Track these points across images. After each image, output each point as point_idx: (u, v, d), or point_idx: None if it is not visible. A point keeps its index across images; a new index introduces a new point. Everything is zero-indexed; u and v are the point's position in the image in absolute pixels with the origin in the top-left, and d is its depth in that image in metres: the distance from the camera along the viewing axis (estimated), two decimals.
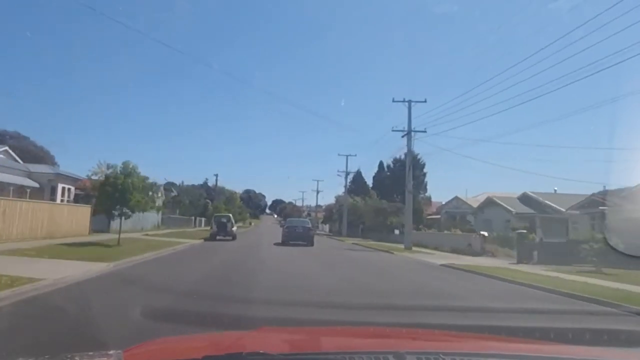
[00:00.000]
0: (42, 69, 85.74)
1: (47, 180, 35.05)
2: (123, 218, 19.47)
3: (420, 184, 63.12)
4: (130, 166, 18.57)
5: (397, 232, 42.20)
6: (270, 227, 75.32)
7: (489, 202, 46.93)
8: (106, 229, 28.42)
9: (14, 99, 70.51)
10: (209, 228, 32.29)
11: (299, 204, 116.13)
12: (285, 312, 6.74)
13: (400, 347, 1.65)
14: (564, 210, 36.47)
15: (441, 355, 1.58)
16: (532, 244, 21.52)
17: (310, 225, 30.68)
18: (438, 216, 57.66)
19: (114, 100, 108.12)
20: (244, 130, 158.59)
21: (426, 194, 63.74)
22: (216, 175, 67.61)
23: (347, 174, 57.43)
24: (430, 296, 9.87)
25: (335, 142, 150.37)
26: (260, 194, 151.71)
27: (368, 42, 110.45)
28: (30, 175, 33.74)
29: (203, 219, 59.41)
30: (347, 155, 56.15)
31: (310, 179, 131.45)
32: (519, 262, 20.49)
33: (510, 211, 43.15)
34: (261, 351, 1.49)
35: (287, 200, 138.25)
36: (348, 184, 58.89)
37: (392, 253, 25.25)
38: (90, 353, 1.84)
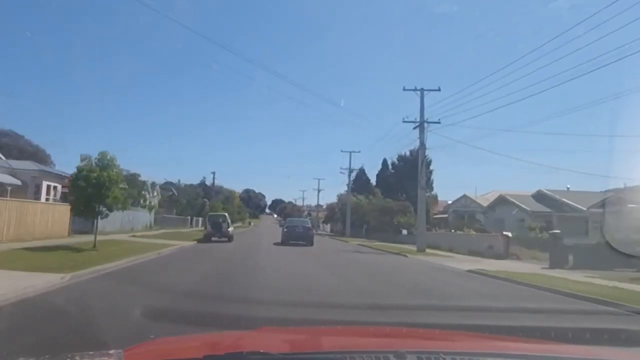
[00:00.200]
0: (40, 69, 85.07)
1: (31, 178, 32.60)
2: (101, 217, 16.83)
3: (426, 182, 60.64)
4: (108, 157, 16.01)
5: (404, 232, 39.71)
6: (269, 227, 72.79)
7: (501, 201, 44.52)
8: (90, 230, 25.86)
9: (12, 99, 69.45)
10: (204, 229, 29.68)
11: (299, 203, 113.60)
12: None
13: (401, 347, 1.64)
14: (583, 208, 34.11)
15: (441, 355, 1.57)
16: (566, 246, 19.01)
17: (310, 225, 30.30)
18: (445, 215, 55.27)
19: (113, 100, 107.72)
20: (243, 129, 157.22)
21: (432, 192, 61.17)
22: (213, 173, 64.92)
23: (351, 171, 54.73)
24: (482, 316, 7.36)
25: (335, 141, 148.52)
26: (260, 193, 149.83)
27: (370, 39, 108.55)
28: (12, 172, 31.22)
29: (200, 219, 56.85)
30: (350, 152, 53.51)
31: (311, 178, 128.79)
32: (553, 266, 18.01)
33: (524, 210, 40.71)
34: (261, 351, 1.48)
35: (287, 200, 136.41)
36: (350, 182, 56.17)
37: (405, 256, 22.73)
38: (91, 353, 1.82)
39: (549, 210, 39.44)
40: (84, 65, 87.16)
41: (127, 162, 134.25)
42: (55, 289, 8.25)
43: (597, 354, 2.12)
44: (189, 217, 57.95)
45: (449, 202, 60.61)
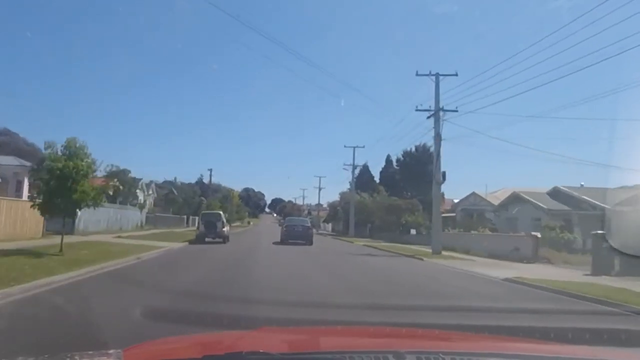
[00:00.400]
0: (38, 68, 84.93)
1: (13, 174, 30.19)
2: (68, 216, 14.29)
3: (432, 179, 58.19)
4: (77, 145, 13.45)
5: (413, 232, 37.19)
6: (269, 226, 70.30)
7: (515, 198, 42.00)
8: (70, 230, 23.37)
9: (11, 98, 69.10)
10: (196, 229, 27.07)
11: (299, 202, 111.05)
12: None
13: (401, 347, 1.64)
14: (603, 205, 31.62)
15: (441, 355, 1.57)
16: (612, 249, 16.46)
17: (309, 225, 30.36)
18: (452, 214, 52.80)
19: (113, 99, 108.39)
20: (243, 128, 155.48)
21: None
22: (210, 170, 62.27)
23: (355, 167, 52.02)
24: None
25: (336, 139, 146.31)
26: (259, 192, 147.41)
27: (370, 37, 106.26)
28: None
29: (196, 218, 54.33)
30: (354, 147, 50.70)
31: (312, 176, 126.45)
32: (596, 273, 15.49)
33: (541, 208, 38.22)
34: (261, 351, 1.48)
35: (287, 199, 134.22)
36: (354, 179, 53.47)
37: (421, 259, 20.23)
38: (90, 352, 1.80)
39: (567, 208, 36.97)
40: (83, 65, 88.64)
41: (126, 162, 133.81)
42: None
43: (599, 354, 2.11)
44: (185, 217, 55.45)
45: (455, 200, 58.22)
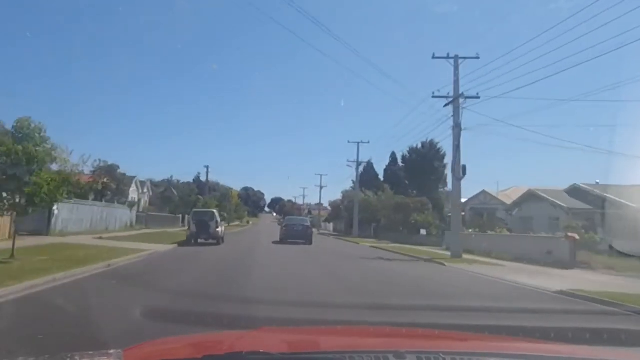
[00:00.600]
0: (36, 68, 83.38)
1: None
2: (17, 214, 11.71)
3: (440, 176, 55.52)
4: (31, 127, 10.87)
5: (423, 232, 34.59)
6: (268, 226, 67.73)
7: (530, 197, 39.60)
8: (44, 230, 20.85)
9: (9, 98, 66.77)
10: (187, 229, 24.38)
11: (299, 201, 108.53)
12: None
13: (401, 347, 1.63)
14: (630, 204, 29.17)
15: (441, 355, 1.56)
16: None
17: (309, 224, 30.59)
18: (462, 213, 50.35)
19: (113, 99, 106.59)
20: (243, 127, 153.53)
21: (446, 188, 56.04)
22: (207, 167, 59.58)
23: (359, 163, 49.25)
24: None
25: (337, 138, 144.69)
26: (259, 191, 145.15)
27: (371, 35, 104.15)
28: None
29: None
30: (358, 142, 47.91)
31: (313, 174, 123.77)
32: None
33: (559, 206, 35.72)
34: (261, 351, 1.47)
35: (287, 199, 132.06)
36: (358, 176, 50.68)
37: (442, 264, 17.66)
38: (90, 352, 1.79)
39: (588, 207, 34.43)
40: (83, 65, 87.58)
41: (126, 161, 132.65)
42: None
43: (600, 354, 2.10)
44: (181, 216, 52.83)
45: (463, 199, 55.82)
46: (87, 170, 33.29)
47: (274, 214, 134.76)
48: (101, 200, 31.00)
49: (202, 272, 11.88)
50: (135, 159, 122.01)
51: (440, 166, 54.57)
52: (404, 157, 56.56)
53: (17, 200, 10.62)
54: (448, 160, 56.49)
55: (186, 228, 23.29)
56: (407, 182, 56.84)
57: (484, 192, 49.59)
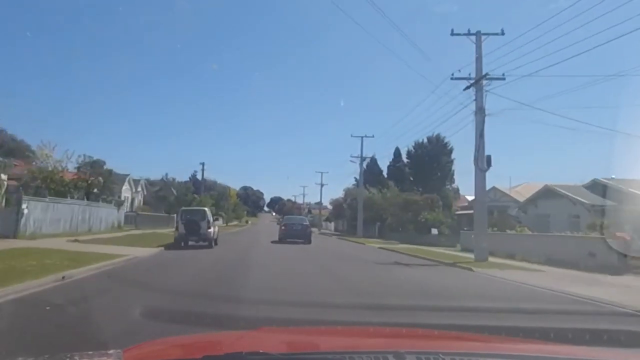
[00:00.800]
0: (36, 68, 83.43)
1: None
2: None
3: (447, 173, 53.08)
4: None
5: (434, 231, 32.06)
6: (267, 225, 65.17)
7: (546, 193, 37.15)
8: (11, 232, 18.34)
9: (9, 98, 66.83)
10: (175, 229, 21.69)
11: (299, 200, 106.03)
12: None
13: (400, 347, 1.62)
14: None
15: (441, 355, 1.55)
16: None
17: (307, 223, 30.65)
18: (470, 212, 47.87)
19: (112, 99, 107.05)
20: (243, 127, 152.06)
21: (453, 185, 53.67)
22: (202, 164, 56.93)
23: (363, 159, 46.53)
24: None
25: (338, 137, 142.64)
26: (258, 190, 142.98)
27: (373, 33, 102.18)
28: None
29: None
30: (362, 137, 45.14)
31: (313, 172, 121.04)
32: None
33: (581, 203, 33.23)
34: (261, 351, 1.46)
35: (286, 198, 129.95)
36: (362, 172, 47.92)
37: (470, 269, 15.13)
38: (90, 352, 1.77)
39: (612, 203, 31.89)
40: (83, 65, 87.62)
41: (125, 161, 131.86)
42: None
43: (598, 354, 2.08)
44: (175, 215, 50.24)
45: (468, 197, 53.38)
46: (72, 166, 30.82)
47: (274, 214, 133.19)
48: (88, 199, 28.46)
49: (183, 288, 9.32)
50: (136, 159, 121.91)
51: (447, 162, 52.16)
52: (408, 153, 54.19)
53: None
54: (455, 155, 54.12)
55: (174, 229, 20.68)
56: (411, 178, 54.44)
57: (494, 188, 47.06)
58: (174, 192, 58.71)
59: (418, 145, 52.50)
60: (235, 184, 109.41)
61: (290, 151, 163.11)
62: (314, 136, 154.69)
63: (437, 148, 52.22)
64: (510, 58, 33.59)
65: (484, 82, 18.86)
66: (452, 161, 52.78)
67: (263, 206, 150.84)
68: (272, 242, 26.55)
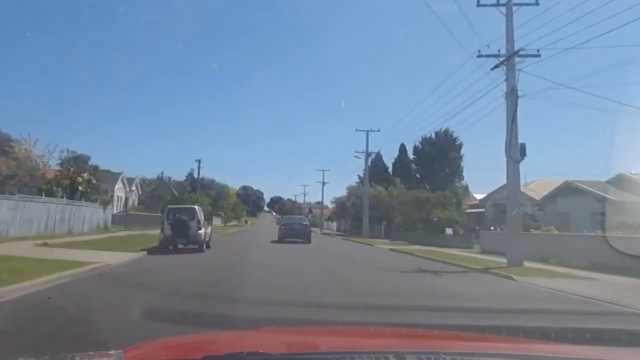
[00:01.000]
0: (36, 68, 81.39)
1: None
2: None
3: (455, 169, 50.50)
4: None
5: (449, 231, 29.52)
6: (267, 225, 62.66)
7: (566, 189, 34.62)
8: None
9: (9, 98, 64.29)
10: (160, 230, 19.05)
11: (300, 199, 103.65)
12: None
13: (401, 347, 1.60)
14: None
15: (441, 355, 1.54)
16: None
17: (307, 223, 30.65)
18: (481, 210, 45.36)
19: (112, 99, 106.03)
20: (243, 126, 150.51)
21: (462, 182, 51.09)
22: (198, 161, 54.34)
23: (369, 154, 43.88)
24: None
25: (338, 136, 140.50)
26: (258, 190, 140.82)
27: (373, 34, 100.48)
28: None
29: None
30: (367, 131, 42.44)
31: (314, 170, 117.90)
32: None
33: (606, 200, 30.62)
34: (261, 351, 1.46)
35: (286, 197, 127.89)
36: (367, 168, 45.18)
37: (511, 278, 12.57)
38: (91, 353, 1.77)
39: None
40: (83, 65, 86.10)
41: (125, 160, 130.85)
42: None
43: (598, 354, 2.04)
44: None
45: (477, 195, 50.92)
46: (54, 162, 28.38)
47: (274, 213, 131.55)
48: (73, 198, 25.98)
49: (152, 316, 6.71)
50: (136, 159, 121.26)
51: (456, 158, 49.61)
52: (415, 148, 51.69)
53: None
54: (465, 151, 51.59)
55: (159, 230, 18.10)
56: (418, 175, 51.95)
57: (506, 185, 44.66)
58: (175, 192, 56.26)
59: (425, 141, 49.98)
60: (235, 183, 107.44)
61: (291, 151, 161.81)
62: (314, 136, 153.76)
63: (445, 143, 49.69)
64: (541, 33, 29.95)
65: (516, 59, 16.32)
66: (461, 157, 50.29)
67: (263, 206, 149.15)
68: (272, 241, 26.18)
